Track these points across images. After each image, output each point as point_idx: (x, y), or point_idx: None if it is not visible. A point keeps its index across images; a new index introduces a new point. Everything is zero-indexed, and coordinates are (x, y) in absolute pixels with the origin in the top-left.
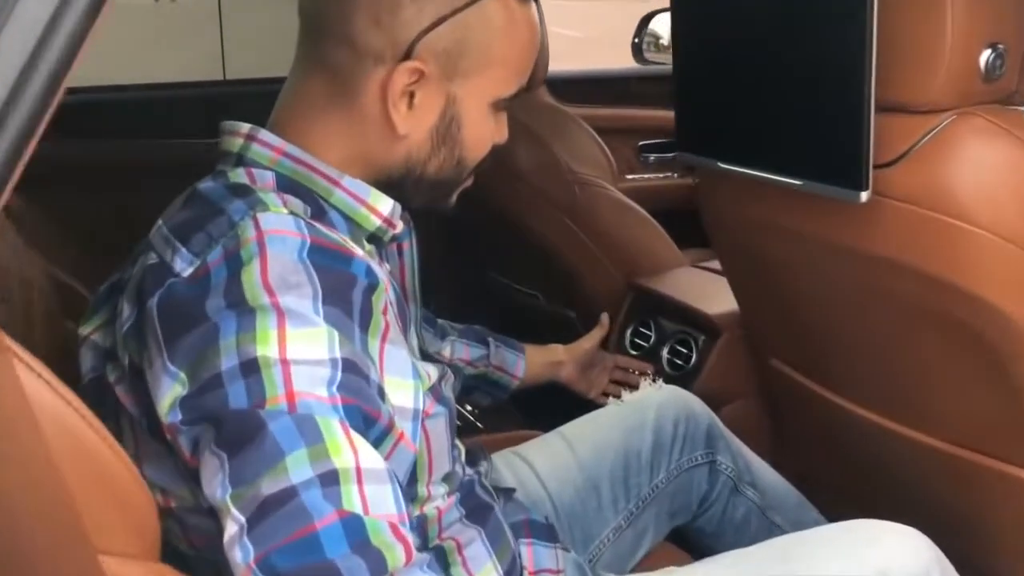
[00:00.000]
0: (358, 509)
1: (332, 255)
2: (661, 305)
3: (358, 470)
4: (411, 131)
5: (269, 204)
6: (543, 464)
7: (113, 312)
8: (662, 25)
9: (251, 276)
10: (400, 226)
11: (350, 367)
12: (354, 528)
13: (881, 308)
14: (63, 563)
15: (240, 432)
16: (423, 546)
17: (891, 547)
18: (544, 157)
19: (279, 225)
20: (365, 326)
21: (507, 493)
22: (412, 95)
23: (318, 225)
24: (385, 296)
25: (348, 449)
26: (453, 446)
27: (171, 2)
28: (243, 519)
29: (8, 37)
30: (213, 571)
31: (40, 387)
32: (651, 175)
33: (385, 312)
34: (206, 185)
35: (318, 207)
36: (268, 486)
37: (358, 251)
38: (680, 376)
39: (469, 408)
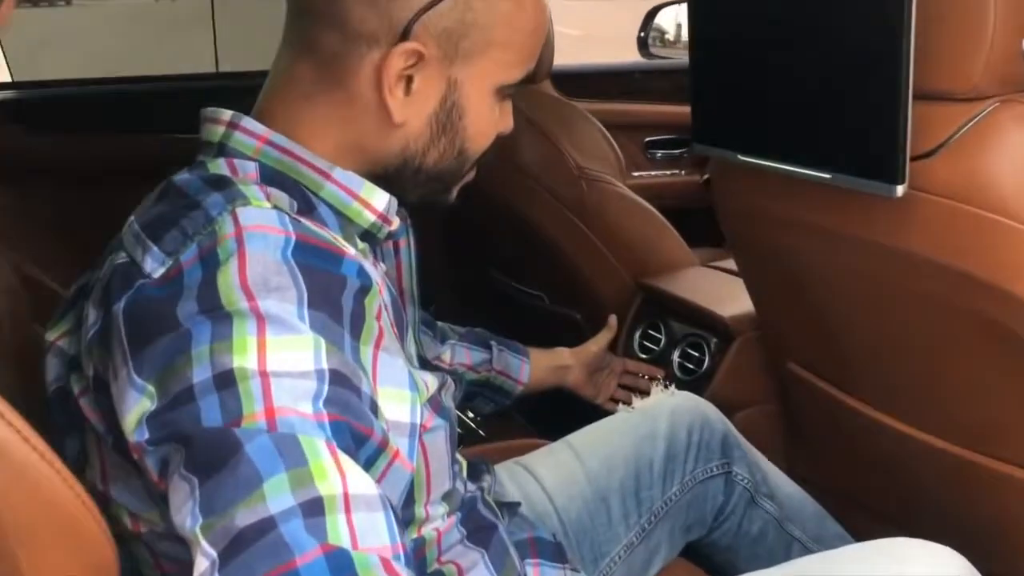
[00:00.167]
0: (345, 542)
1: (320, 254)
2: (672, 306)
3: (346, 497)
4: (408, 119)
5: (250, 197)
6: (549, 476)
7: (81, 317)
8: (668, 20)
9: (228, 277)
10: (396, 222)
11: (339, 379)
12: (341, 565)
13: (913, 310)
14: None
15: (212, 453)
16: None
17: (924, 568)
18: (549, 151)
19: (261, 220)
20: (356, 332)
21: (511, 508)
22: (409, 80)
23: (305, 221)
24: (379, 299)
25: (335, 473)
26: (454, 461)
27: (171, 1)
28: (214, 554)
29: None
30: None
31: None
32: (658, 172)
33: (379, 317)
34: (182, 177)
35: (306, 201)
36: (243, 516)
37: (349, 250)
38: (691, 381)
39: (470, 415)
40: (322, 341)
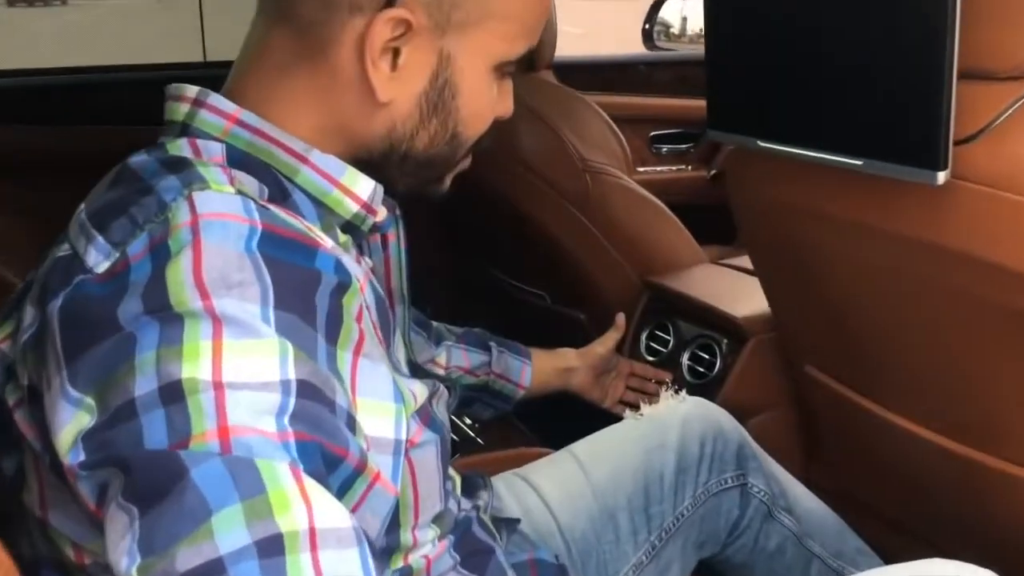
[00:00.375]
0: None
1: (290, 246)
2: (680, 306)
3: (312, 532)
4: (395, 97)
5: (210, 181)
6: (552, 490)
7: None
8: (673, 13)
9: (179, 272)
10: (382, 213)
11: (308, 391)
12: None
13: (943, 307)
14: None
15: (154, 480)
16: None
17: None
18: (551, 142)
19: (221, 207)
20: (333, 336)
21: (510, 525)
22: (396, 52)
23: (274, 209)
24: (360, 298)
25: (299, 503)
26: (446, 478)
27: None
28: None
29: None
30: None
31: None
32: (664, 168)
33: (359, 318)
34: (138, 159)
35: (279, 188)
36: (186, 556)
37: (326, 242)
38: (702, 385)
39: (468, 422)
40: (289, 346)
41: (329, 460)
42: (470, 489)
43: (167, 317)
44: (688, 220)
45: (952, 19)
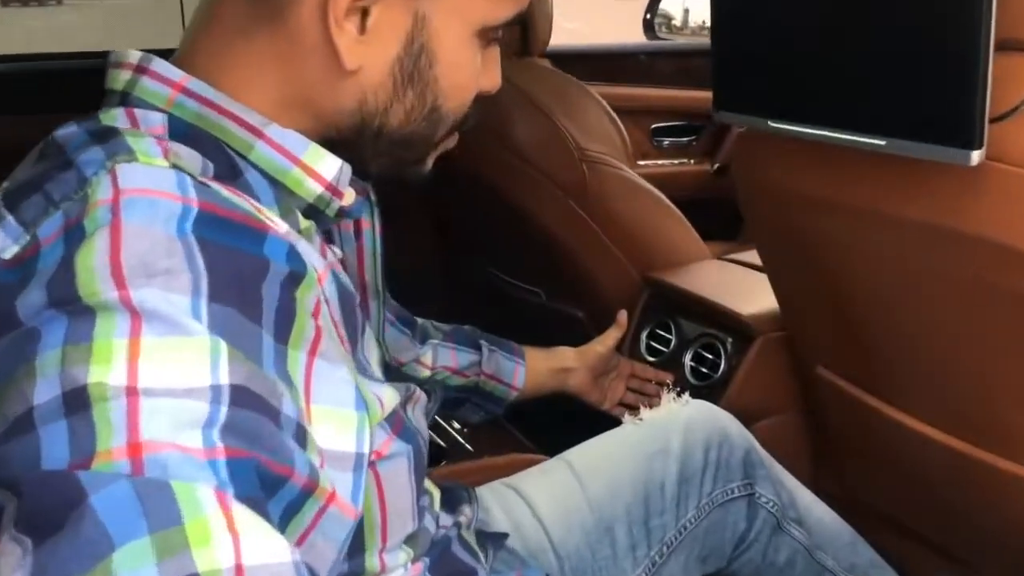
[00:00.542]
0: None
1: (233, 229)
2: (683, 303)
3: (238, 571)
4: (364, 64)
5: (139, 152)
6: (544, 501)
7: None
8: (675, 4)
9: (91, 257)
10: (350, 196)
11: (245, 399)
12: None
13: (975, 306)
14: None
15: (49, 507)
16: None
17: None
18: (546, 130)
19: (149, 182)
20: (283, 333)
21: (497, 541)
22: (364, 13)
23: (217, 187)
24: (317, 291)
25: (223, 535)
26: (421, 493)
27: None
28: None
29: None
30: None
31: None
32: (665, 161)
33: (316, 313)
34: (65, 131)
35: (229, 165)
36: None
37: (278, 226)
38: (705, 387)
39: (456, 426)
40: (223, 346)
41: (269, 481)
42: (451, 503)
43: (76, 310)
44: (691, 215)
45: None
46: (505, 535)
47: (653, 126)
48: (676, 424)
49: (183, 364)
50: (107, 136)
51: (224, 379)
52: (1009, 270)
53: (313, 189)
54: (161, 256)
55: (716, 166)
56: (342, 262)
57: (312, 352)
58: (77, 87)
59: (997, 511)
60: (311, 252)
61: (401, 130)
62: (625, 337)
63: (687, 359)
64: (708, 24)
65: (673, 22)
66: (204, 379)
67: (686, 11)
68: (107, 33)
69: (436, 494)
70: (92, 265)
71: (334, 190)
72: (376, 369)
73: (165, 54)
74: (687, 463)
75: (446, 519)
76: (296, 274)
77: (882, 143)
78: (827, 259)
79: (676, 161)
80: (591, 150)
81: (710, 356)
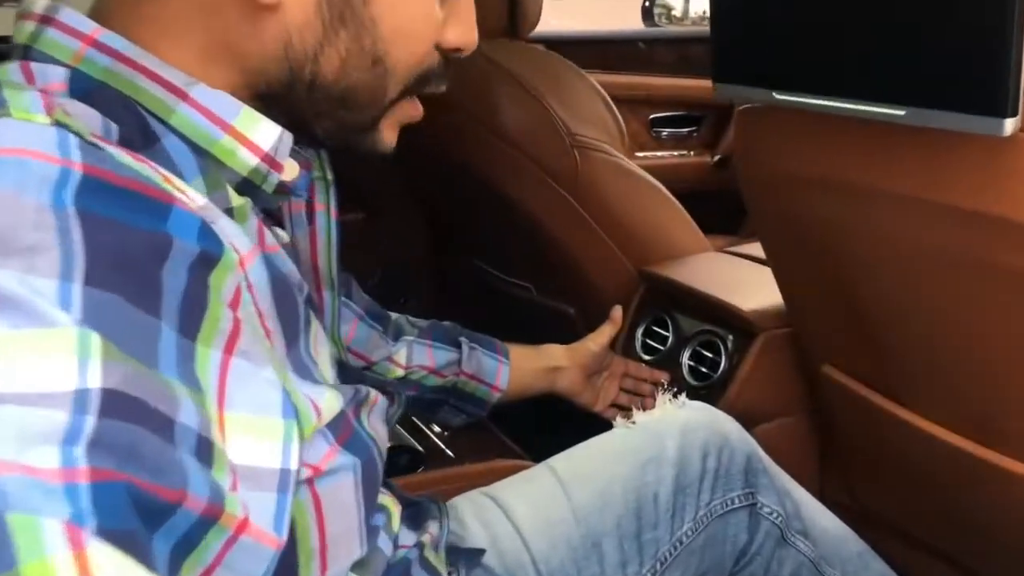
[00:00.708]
0: None
1: (126, 200)
2: (681, 298)
3: None
4: None
5: (13, 106)
6: (526, 512)
7: None
8: None
9: None
10: (292, 169)
11: (121, 407)
12: None
13: (1000, 300)
14: None
15: None
16: None
17: None
18: (536, 114)
19: (21, 140)
20: (190, 326)
21: (472, 558)
22: None
23: (114, 151)
24: (237, 276)
25: None
26: (372, 511)
27: None
28: None
29: None
30: None
31: None
32: (664, 153)
33: (236, 303)
34: None
35: (142, 131)
36: None
37: (191, 199)
38: (704, 388)
39: (437, 430)
40: (96, 341)
41: (150, 508)
42: (415, 519)
43: None
44: (691, 209)
45: None
46: (481, 551)
47: (652, 116)
48: (672, 428)
49: (41, 363)
50: None
51: (94, 382)
52: None
53: (247, 160)
54: (26, 229)
55: (717, 158)
56: (293, 248)
57: (229, 349)
58: None
59: (1015, 521)
60: (234, 231)
61: (338, 83)
62: (619, 334)
63: (685, 357)
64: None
65: (673, 12)
66: (67, 382)
67: (686, 0)
68: None
69: (396, 510)
70: None
71: (272, 162)
72: (325, 369)
73: None
74: (683, 470)
75: (408, 537)
76: (208, 255)
77: (900, 113)
78: (835, 250)
79: (675, 153)
80: (583, 135)
81: (709, 354)
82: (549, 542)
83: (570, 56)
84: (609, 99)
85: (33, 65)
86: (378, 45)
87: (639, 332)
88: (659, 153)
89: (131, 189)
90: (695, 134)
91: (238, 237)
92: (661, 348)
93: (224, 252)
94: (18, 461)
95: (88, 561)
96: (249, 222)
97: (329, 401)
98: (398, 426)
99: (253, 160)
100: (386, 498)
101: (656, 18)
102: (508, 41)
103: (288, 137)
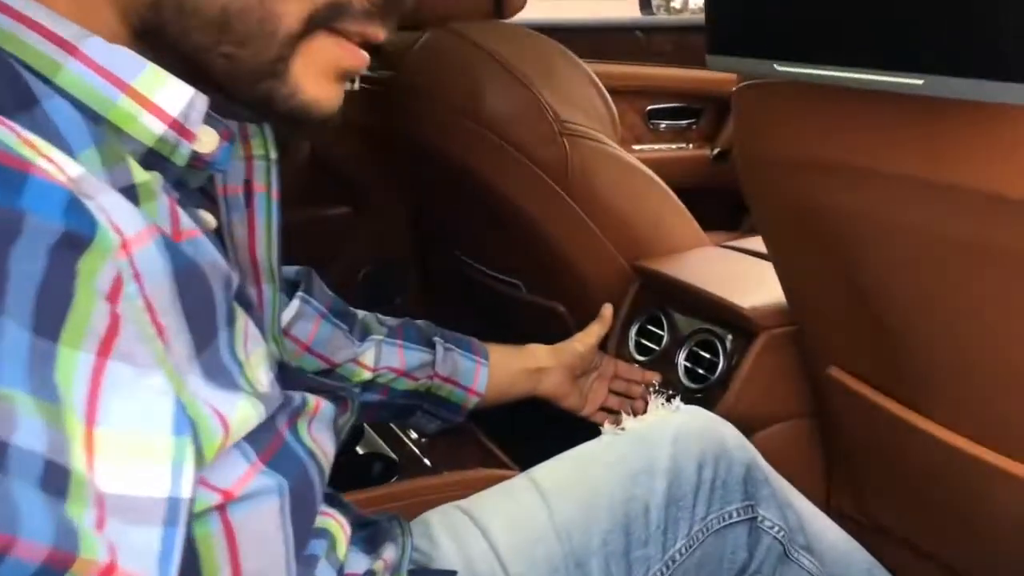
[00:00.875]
0: None
1: None
2: (677, 295)
3: None
4: None
5: None
6: (503, 529)
7: None
8: None
9: None
10: (211, 140)
11: None
12: None
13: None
14: None
15: None
16: None
17: None
18: (521, 99)
19: None
20: (48, 322)
21: None
22: None
23: None
24: (118, 263)
25: None
26: (306, 539)
27: None
28: None
29: None
30: None
31: None
32: (662, 146)
33: (115, 296)
34: None
35: (17, 91)
36: None
37: (61, 168)
38: (701, 391)
39: (414, 436)
40: None
41: None
42: (371, 541)
43: None
44: (689, 204)
45: None
46: (452, 573)
47: (649, 108)
48: (664, 434)
49: None
50: None
51: None
52: None
53: (150, 128)
54: None
55: (716, 151)
56: (223, 234)
57: (104, 352)
58: None
59: None
60: (123, 210)
61: (212, 5)
62: (610, 333)
63: (681, 358)
64: None
65: (672, 4)
66: None
67: None
68: None
69: (343, 533)
70: None
71: (181, 129)
72: (255, 372)
73: None
74: (677, 481)
75: (359, 563)
76: (76, 236)
77: (918, 82)
78: (841, 242)
79: (673, 146)
80: (573, 122)
81: (707, 355)
82: (529, 562)
83: (564, 45)
84: (602, 87)
85: None
86: None
87: (632, 331)
88: (656, 146)
89: None
90: (694, 126)
91: (126, 217)
92: (656, 348)
93: (97, 232)
94: None
95: None
96: (158, 202)
97: (243, 410)
98: (372, 432)
99: (159, 127)
100: (330, 521)
101: (654, 8)
102: (493, 23)
103: (202, 101)
